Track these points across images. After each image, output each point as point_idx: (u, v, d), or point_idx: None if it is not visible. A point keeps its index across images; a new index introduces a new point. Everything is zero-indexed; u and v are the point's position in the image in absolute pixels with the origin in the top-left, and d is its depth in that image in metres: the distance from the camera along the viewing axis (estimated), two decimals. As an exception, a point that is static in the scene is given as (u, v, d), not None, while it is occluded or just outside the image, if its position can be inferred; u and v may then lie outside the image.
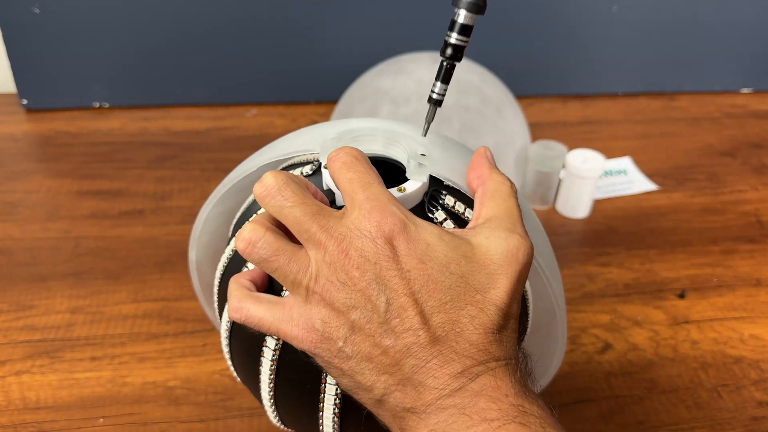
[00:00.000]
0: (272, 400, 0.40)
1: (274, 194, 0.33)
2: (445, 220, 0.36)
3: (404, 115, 0.72)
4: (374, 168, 0.35)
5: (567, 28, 1.00)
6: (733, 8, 1.01)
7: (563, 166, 0.78)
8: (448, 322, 0.32)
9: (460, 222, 0.37)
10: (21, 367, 0.57)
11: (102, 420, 0.53)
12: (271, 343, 0.38)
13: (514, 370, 0.33)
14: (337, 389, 0.37)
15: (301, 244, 0.33)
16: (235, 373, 0.44)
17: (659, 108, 1.04)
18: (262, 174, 0.35)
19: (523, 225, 0.35)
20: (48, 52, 0.92)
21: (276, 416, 0.42)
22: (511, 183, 0.36)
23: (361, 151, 0.35)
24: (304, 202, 0.33)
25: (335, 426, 0.38)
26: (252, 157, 0.44)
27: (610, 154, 0.89)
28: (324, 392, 0.37)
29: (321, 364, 0.34)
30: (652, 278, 0.70)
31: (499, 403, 0.31)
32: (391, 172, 0.38)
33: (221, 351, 0.59)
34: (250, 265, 0.39)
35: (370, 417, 0.35)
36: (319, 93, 0.99)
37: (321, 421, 0.38)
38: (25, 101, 0.96)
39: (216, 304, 0.45)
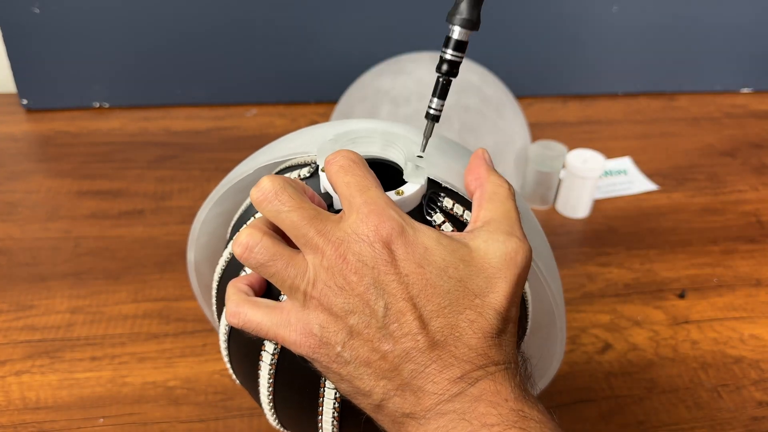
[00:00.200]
0: (271, 404, 0.40)
1: (271, 198, 0.33)
2: (444, 222, 0.36)
3: (404, 115, 0.72)
4: (372, 171, 0.34)
5: (567, 28, 1.00)
6: (733, 8, 1.01)
7: (563, 166, 0.78)
8: (446, 327, 0.32)
9: (459, 224, 0.37)
10: (21, 367, 0.57)
11: (102, 420, 0.53)
12: (269, 347, 0.37)
13: (514, 374, 0.32)
14: (336, 393, 0.37)
15: (298, 249, 0.33)
16: (234, 376, 0.44)
17: (659, 108, 1.04)
18: (260, 176, 0.35)
19: (521, 228, 0.35)
20: (48, 52, 0.92)
21: (276, 419, 0.42)
22: (509, 185, 0.36)
23: (358, 155, 0.35)
24: (301, 207, 0.33)
25: (334, 430, 0.38)
26: (250, 158, 0.44)
27: (610, 154, 0.89)
28: (323, 396, 0.37)
29: (319, 369, 0.34)
30: (652, 278, 0.70)
31: (499, 408, 0.31)
32: (389, 174, 0.38)
33: (221, 351, 0.59)
34: (249, 269, 0.38)
35: (369, 421, 0.35)
36: (319, 93, 0.99)
37: (320, 425, 0.38)
38: (25, 101, 0.96)
39: (214, 307, 0.45)
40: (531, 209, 0.50)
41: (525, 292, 0.41)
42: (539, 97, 1.05)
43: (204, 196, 0.79)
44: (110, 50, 0.94)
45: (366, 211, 0.32)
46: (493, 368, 0.32)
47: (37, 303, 0.64)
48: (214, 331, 0.61)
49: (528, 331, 0.43)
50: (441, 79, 0.37)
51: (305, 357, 0.33)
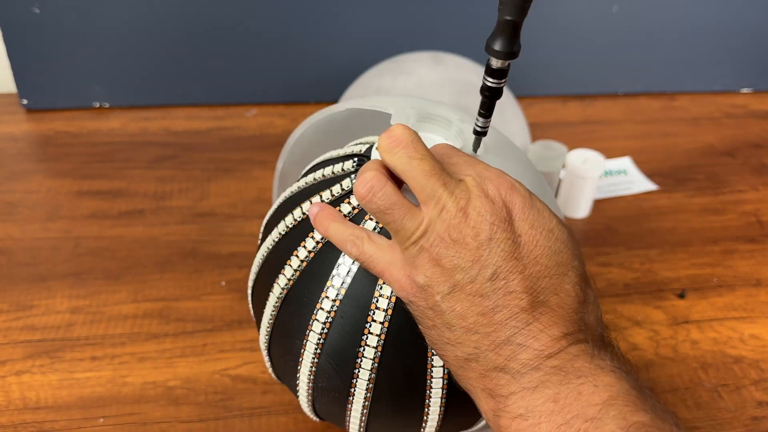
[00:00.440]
0: (310, 393, 0.43)
1: (406, 145, 0.34)
2: None
3: (404, 115, 0.72)
4: None
5: (567, 28, 1.00)
6: (733, 8, 1.01)
7: (563, 166, 0.78)
8: (551, 287, 0.33)
9: None
10: (21, 367, 0.57)
11: (102, 420, 0.53)
12: (313, 337, 0.40)
13: (608, 343, 0.34)
14: (367, 384, 0.39)
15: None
16: (269, 365, 0.47)
17: (659, 108, 1.04)
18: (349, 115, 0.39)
19: None
20: (48, 52, 0.92)
21: (311, 410, 0.45)
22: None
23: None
24: (433, 158, 0.34)
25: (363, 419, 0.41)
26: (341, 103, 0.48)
27: (610, 154, 0.89)
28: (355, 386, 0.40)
29: (414, 313, 0.35)
30: (652, 278, 0.70)
31: (597, 362, 0.32)
32: None
33: (221, 351, 0.59)
34: (293, 264, 0.40)
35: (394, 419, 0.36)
36: (319, 93, 0.99)
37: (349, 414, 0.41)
38: (25, 101, 0.96)
39: (251, 304, 0.47)
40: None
41: None
42: (539, 97, 1.05)
43: (204, 196, 0.79)
44: (110, 50, 0.94)
45: (487, 174, 0.34)
46: (590, 334, 0.33)
47: (37, 303, 0.64)
48: (214, 331, 0.61)
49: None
50: (486, 102, 0.38)
51: (403, 299, 0.35)
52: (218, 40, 0.94)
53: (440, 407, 0.40)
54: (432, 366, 0.39)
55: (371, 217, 0.38)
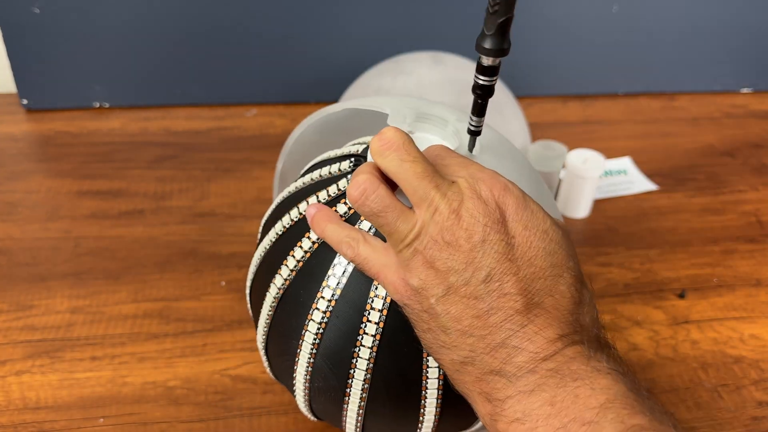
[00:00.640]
0: (307, 393, 0.43)
1: (397, 147, 0.34)
2: None
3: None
4: None
5: (567, 28, 1.00)
6: (733, 8, 1.01)
7: (563, 166, 0.78)
8: (546, 289, 0.32)
9: None
10: (21, 367, 0.57)
11: (102, 420, 0.53)
12: (309, 337, 0.40)
13: (605, 344, 0.34)
14: (363, 385, 0.39)
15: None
16: (267, 365, 0.47)
17: (659, 108, 1.04)
18: (348, 115, 0.39)
19: None
20: (48, 52, 0.92)
21: (308, 409, 0.45)
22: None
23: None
24: (425, 160, 0.34)
25: (359, 418, 0.41)
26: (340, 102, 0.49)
27: (610, 154, 0.89)
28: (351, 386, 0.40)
29: (409, 316, 0.35)
30: (652, 278, 0.70)
31: (593, 364, 0.31)
32: None
33: (221, 351, 0.59)
34: (290, 264, 0.40)
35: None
36: (319, 93, 0.99)
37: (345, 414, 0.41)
38: (25, 101, 0.96)
39: (249, 303, 0.47)
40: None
41: None
42: (539, 97, 1.05)
43: (204, 196, 0.79)
44: (110, 50, 0.94)
45: (480, 175, 0.33)
46: (586, 335, 0.33)
47: (37, 303, 0.64)
48: (214, 331, 0.61)
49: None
50: (479, 100, 0.38)
51: (398, 302, 0.35)
52: (218, 40, 0.94)
53: (436, 407, 0.40)
54: (427, 366, 0.39)
55: None
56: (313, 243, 0.40)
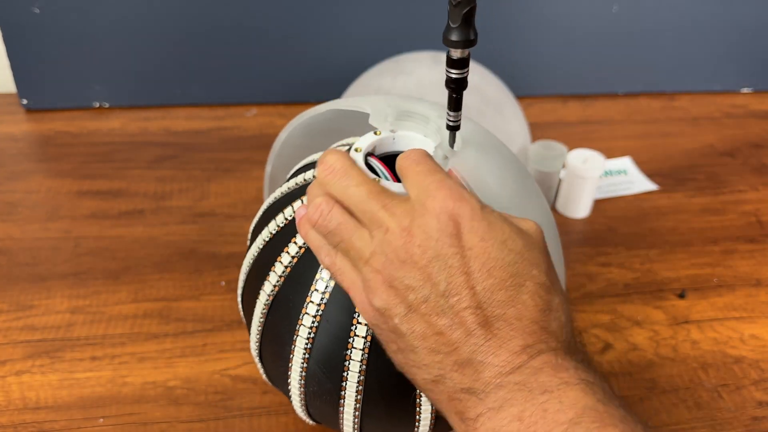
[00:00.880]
0: (302, 398, 0.42)
1: (339, 174, 0.34)
2: None
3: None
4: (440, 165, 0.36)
5: (567, 28, 1.00)
6: (733, 8, 1.01)
7: (563, 166, 0.78)
8: (508, 300, 0.32)
9: None
10: (21, 367, 0.57)
11: (102, 420, 0.53)
12: (301, 342, 0.40)
13: (575, 350, 0.33)
14: (357, 387, 0.39)
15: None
16: (262, 371, 0.47)
17: (659, 108, 1.04)
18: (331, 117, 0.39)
19: None
20: (48, 52, 0.92)
21: (306, 413, 0.44)
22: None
23: (427, 153, 0.36)
24: (368, 182, 0.34)
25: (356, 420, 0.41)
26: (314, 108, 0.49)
27: (610, 154, 0.89)
28: (345, 389, 0.40)
29: (380, 337, 0.35)
30: (652, 278, 0.70)
31: (562, 375, 0.31)
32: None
33: (221, 351, 0.59)
34: (277, 270, 0.40)
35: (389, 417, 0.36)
36: (319, 93, 0.99)
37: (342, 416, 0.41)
38: (25, 101, 0.96)
39: (241, 311, 0.47)
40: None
41: None
42: (539, 97, 1.05)
43: (204, 196, 0.79)
44: (110, 50, 0.94)
45: (433, 187, 0.33)
46: (554, 342, 0.32)
47: (37, 303, 0.64)
48: (214, 331, 0.61)
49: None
50: (453, 94, 0.37)
51: (367, 323, 0.35)
52: (218, 40, 0.94)
53: (432, 407, 0.40)
54: None
55: None
56: (300, 248, 0.40)
